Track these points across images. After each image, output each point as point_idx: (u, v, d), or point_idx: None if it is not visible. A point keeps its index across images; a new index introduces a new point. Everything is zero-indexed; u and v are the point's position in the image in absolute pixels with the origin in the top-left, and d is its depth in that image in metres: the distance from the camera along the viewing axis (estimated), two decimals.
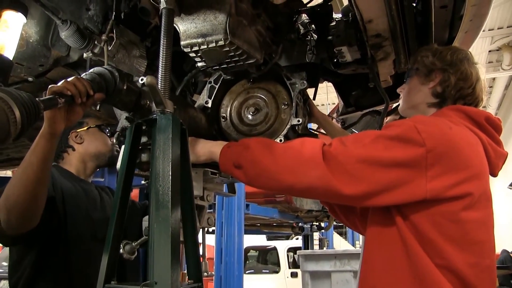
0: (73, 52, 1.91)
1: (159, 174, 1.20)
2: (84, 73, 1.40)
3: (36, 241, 1.81)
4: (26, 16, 1.54)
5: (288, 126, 1.83)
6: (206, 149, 1.60)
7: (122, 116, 1.59)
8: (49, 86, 1.27)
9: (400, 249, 1.41)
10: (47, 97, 1.22)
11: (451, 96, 1.64)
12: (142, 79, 1.44)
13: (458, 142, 1.40)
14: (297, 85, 1.87)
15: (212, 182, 1.82)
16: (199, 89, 2.39)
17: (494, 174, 1.57)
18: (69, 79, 1.30)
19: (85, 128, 2.11)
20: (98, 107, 1.71)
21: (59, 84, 1.28)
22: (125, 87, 1.37)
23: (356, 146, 1.40)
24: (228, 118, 1.99)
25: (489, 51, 10.75)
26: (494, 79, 11.93)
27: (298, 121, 1.82)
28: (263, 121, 1.92)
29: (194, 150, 1.60)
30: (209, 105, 1.97)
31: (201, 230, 1.95)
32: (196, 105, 2.02)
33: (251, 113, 1.94)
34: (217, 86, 1.99)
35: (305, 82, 1.87)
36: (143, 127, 1.36)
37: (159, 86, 1.36)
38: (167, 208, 1.15)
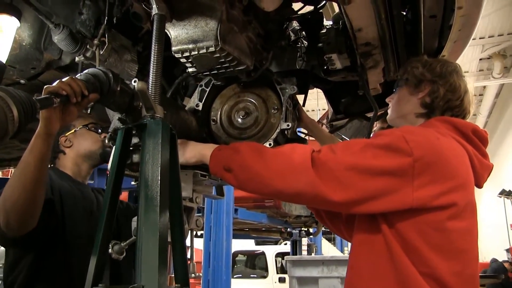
0: (65, 56, 1.92)
1: (148, 179, 1.21)
2: (79, 74, 1.41)
3: (35, 243, 1.80)
4: (19, 20, 1.55)
5: (277, 130, 1.85)
6: (197, 151, 1.61)
7: (114, 117, 1.60)
8: (45, 87, 1.28)
9: (386, 256, 1.43)
10: (43, 96, 1.23)
11: (439, 107, 1.67)
12: (135, 81, 1.46)
13: (445, 152, 1.43)
14: (287, 90, 1.89)
15: (201, 184, 1.83)
16: (190, 92, 2.40)
17: (479, 186, 1.60)
18: (64, 80, 1.31)
19: (72, 131, 2.11)
20: (89, 110, 1.72)
21: (54, 84, 1.29)
22: (118, 89, 1.39)
23: (345, 154, 1.43)
24: (218, 121, 2.01)
25: (480, 59, 10.89)
26: (484, 87, 12.08)
27: (288, 125, 1.84)
28: (253, 125, 1.94)
29: (184, 152, 1.61)
30: (200, 108, 1.98)
31: (189, 231, 1.96)
32: (187, 108, 2.03)
33: (241, 116, 1.95)
34: (207, 90, 2.00)
35: (295, 87, 1.89)
36: (133, 132, 1.36)
37: (149, 91, 1.37)
38: (155, 212, 1.16)
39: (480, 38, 10.00)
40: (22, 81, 1.95)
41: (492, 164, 1.63)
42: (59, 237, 1.87)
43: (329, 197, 1.38)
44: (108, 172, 1.40)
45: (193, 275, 1.90)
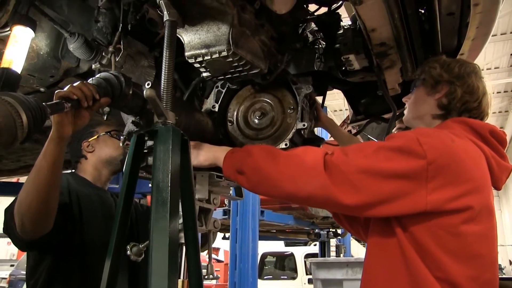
0: (82, 63, 1.95)
1: (159, 184, 1.22)
2: (91, 78, 1.43)
3: (51, 247, 1.84)
4: (34, 30, 1.58)
5: (293, 130, 1.85)
6: (210, 154, 1.61)
7: (128, 120, 1.62)
8: (56, 92, 1.30)
9: (400, 260, 1.40)
10: (53, 101, 1.25)
11: (456, 108, 1.63)
12: (148, 84, 1.48)
13: (460, 155, 1.39)
14: (302, 90, 1.88)
15: (218, 185, 1.85)
16: (207, 93, 2.41)
17: (498, 188, 1.56)
18: (75, 84, 1.33)
19: (95, 137, 2.15)
20: (105, 117, 1.75)
21: (65, 89, 1.31)
22: (130, 92, 1.41)
23: (357, 157, 1.41)
24: (234, 122, 2.01)
25: (511, 54, 10.59)
26: None
27: (304, 125, 1.83)
28: (269, 125, 1.94)
29: (198, 155, 1.61)
30: (216, 109, 1.99)
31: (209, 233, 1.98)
32: (203, 110, 2.04)
33: (257, 117, 1.96)
34: (224, 91, 2.01)
35: (310, 86, 1.88)
36: (146, 138, 1.38)
37: (161, 97, 1.38)
38: (166, 218, 1.17)
39: (511, 32, 9.73)
40: (42, 89, 1.99)
41: (511, 165, 1.58)
42: (77, 241, 1.90)
43: (341, 200, 1.36)
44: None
45: (211, 276, 1.91)
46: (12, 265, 13.59)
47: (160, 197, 1.20)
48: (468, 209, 1.37)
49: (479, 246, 1.40)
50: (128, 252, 1.48)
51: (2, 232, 1.77)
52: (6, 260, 16.39)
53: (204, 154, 1.62)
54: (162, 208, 1.19)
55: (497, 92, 12.60)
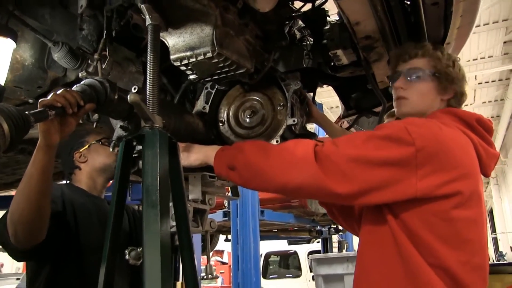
0: (69, 72, 1.95)
1: (148, 189, 1.22)
2: (75, 86, 1.43)
3: (46, 256, 1.84)
4: (15, 41, 1.58)
5: (284, 127, 1.85)
6: (201, 153, 1.62)
7: (117, 125, 1.62)
8: (39, 100, 1.30)
9: (393, 249, 1.42)
10: (37, 110, 1.25)
11: (458, 106, 1.67)
12: (135, 88, 1.48)
13: (448, 142, 1.42)
14: (291, 86, 1.89)
15: (212, 186, 1.85)
16: (198, 95, 2.41)
17: (487, 174, 1.58)
18: (58, 92, 1.33)
19: (86, 147, 2.14)
20: (95, 124, 1.75)
21: (49, 97, 1.31)
22: (116, 97, 1.41)
23: (347, 146, 1.43)
24: (225, 122, 2.02)
25: (504, 42, 10.57)
26: (511, 70, 11.74)
27: (294, 121, 1.84)
28: (260, 123, 1.94)
29: (189, 155, 1.62)
30: (207, 110, 2.00)
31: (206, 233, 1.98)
32: (194, 111, 2.05)
33: (248, 116, 1.97)
34: (213, 92, 2.02)
35: (299, 82, 1.89)
36: (134, 143, 1.37)
37: (147, 102, 1.38)
38: (156, 222, 1.17)
39: (503, 21, 9.71)
40: (30, 101, 1.99)
41: (499, 152, 1.60)
42: (74, 249, 1.90)
43: (332, 189, 1.38)
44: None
45: (210, 276, 1.91)
46: (18, 279, 13.60)
47: (150, 201, 1.20)
48: (457, 194, 1.39)
49: (469, 231, 1.42)
50: (127, 257, 1.49)
51: None
52: (12, 274, 16.39)
53: (195, 154, 1.62)
54: (153, 211, 1.19)
55: (492, 81, 12.58)
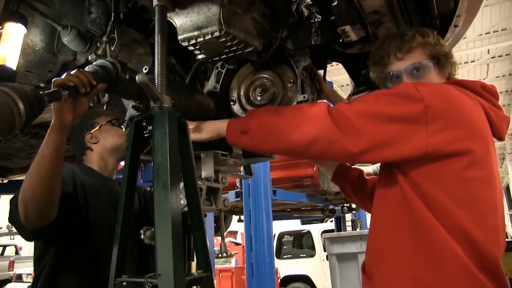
0: (79, 56, 1.96)
1: (158, 169, 1.24)
2: (87, 66, 1.45)
3: (56, 236, 1.87)
4: (26, 26, 1.60)
5: (294, 103, 1.86)
6: (213, 126, 1.65)
7: (129, 105, 1.64)
8: (53, 80, 1.33)
9: (404, 212, 1.44)
10: (51, 90, 1.28)
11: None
12: (146, 68, 1.49)
13: (458, 100, 1.44)
14: (301, 62, 1.89)
15: (225, 164, 1.87)
16: (209, 75, 2.42)
17: (501, 138, 1.58)
18: (71, 72, 1.36)
19: (97, 128, 2.16)
20: (105, 106, 1.76)
21: (62, 77, 1.34)
22: (127, 77, 1.44)
23: (359, 103, 1.48)
24: (237, 100, 2.03)
25: None
26: None
27: (304, 97, 1.85)
28: (271, 101, 1.95)
29: (201, 130, 1.64)
30: (218, 90, 2.01)
31: (219, 212, 2.01)
32: (205, 91, 2.06)
33: (259, 94, 1.97)
34: (223, 71, 2.02)
35: (308, 58, 1.89)
36: (144, 123, 1.38)
37: (156, 82, 1.39)
38: (167, 201, 1.18)
39: None
40: (41, 85, 2.01)
41: (509, 116, 1.60)
42: (84, 230, 1.93)
43: (344, 143, 1.41)
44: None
45: (224, 254, 1.94)
46: None
47: (160, 181, 1.22)
48: (469, 153, 1.40)
49: (482, 191, 1.43)
50: (142, 236, 1.52)
51: (8, 222, 1.79)
52: (29, 257, 16.74)
53: (206, 128, 1.64)
54: (163, 191, 1.20)
55: (506, 55, 12.37)
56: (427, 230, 1.38)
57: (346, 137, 1.40)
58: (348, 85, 11.40)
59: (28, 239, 1.85)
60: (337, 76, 11.39)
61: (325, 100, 2.27)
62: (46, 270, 1.88)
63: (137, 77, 1.27)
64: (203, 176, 1.81)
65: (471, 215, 1.38)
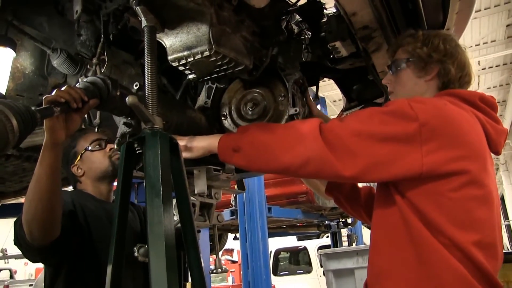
0: (70, 78, 1.96)
1: (151, 190, 1.22)
2: (78, 83, 1.45)
3: (62, 254, 1.86)
4: (15, 50, 1.59)
5: (286, 117, 1.87)
6: (204, 142, 1.61)
7: (120, 122, 1.63)
8: (44, 97, 1.32)
9: (403, 231, 1.41)
10: (43, 107, 1.27)
11: (454, 87, 1.62)
12: (136, 85, 1.48)
13: (454, 118, 1.40)
14: (291, 76, 1.89)
15: (218, 179, 1.86)
16: (199, 91, 2.42)
17: (498, 152, 1.56)
18: (62, 88, 1.35)
19: (78, 158, 2.13)
20: (96, 128, 1.75)
21: (53, 93, 1.32)
22: (118, 93, 1.43)
23: (351, 121, 1.44)
24: (228, 115, 2.03)
25: (507, 25, 10.48)
26: None
27: (296, 110, 1.85)
28: (262, 115, 1.95)
29: (192, 145, 1.61)
30: (209, 105, 2.01)
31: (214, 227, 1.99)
32: (196, 107, 2.05)
33: (250, 108, 1.98)
34: (214, 86, 2.02)
35: (299, 71, 1.90)
36: (135, 145, 1.37)
37: (147, 103, 1.38)
38: (160, 223, 1.17)
39: (505, 3, 9.62)
40: (33, 108, 1.99)
41: (507, 128, 1.58)
42: (89, 253, 1.93)
43: (336, 165, 1.37)
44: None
45: (219, 270, 1.92)
46: (30, 285, 13.75)
47: (153, 202, 1.20)
48: (465, 173, 1.37)
49: (479, 210, 1.40)
50: (136, 254, 1.49)
51: (14, 244, 1.80)
52: (24, 280, 16.56)
53: (197, 144, 1.61)
54: (156, 213, 1.19)
55: (496, 66, 12.48)
56: (427, 249, 1.36)
57: (338, 159, 1.37)
58: (340, 100, 11.46)
59: (35, 258, 1.86)
60: (330, 91, 11.44)
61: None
62: None
63: (127, 99, 1.27)
64: (196, 192, 1.80)
65: (467, 234, 1.36)
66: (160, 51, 1.52)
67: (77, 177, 2.15)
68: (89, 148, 2.14)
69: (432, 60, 1.62)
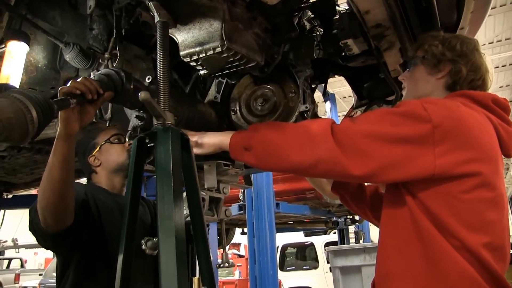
0: (81, 72, 1.96)
1: (162, 187, 1.23)
2: (92, 75, 1.45)
3: (74, 242, 1.89)
4: (28, 44, 1.60)
5: (296, 113, 1.87)
6: (215, 139, 1.61)
7: (132, 115, 1.64)
8: (60, 88, 1.32)
9: (413, 231, 1.40)
10: (59, 98, 1.28)
11: (464, 89, 1.61)
12: (149, 78, 1.48)
13: (466, 120, 1.39)
14: (302, 72, 1.89)
15: (226, 174, 1.87)
16: (209, 85, 2.42)
17: (509, 155, 1.55)
18: (78, 80, 1.36)
19: (97, 149, 2.15)
20: (108, 123, 1.76)
21: (68, 84, 1.33)
22: (132, 87, 1.43)
23: (363, 122, 1.43)
24: (238, 111, 2.04)
25: None
26: None
27: (306, 107, 1.85)
28: (272, 111, 1.96)
29: (203, 142, 1.61)
30: (218, 100, 2.01)
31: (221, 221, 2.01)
32: (206, 101, 2.06)
33: (259, 104, 1.98)
34: (224, 81, 2.02)
35: (310, 68, 1.90)
36: (146, 140, 1.38)
37: (159, 98, 1.39)
38: (171, 219, 1.18)
39: None
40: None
41: None
42: (100, 245, 1.96)
43: (347, 166, 1.36)
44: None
45: (226, 264, 1.93)
46: (40, 274, 13.92)
47: (164, 198, 1.21)
48: (477, 175, 1.36)
49: (490, 213, 1.39)
50: (143, 247, 1.51)
51: (29, 230, 1.84)
52: (34, 270, 16.78)
53: (209, 140, 1.61)
54: (167, 208, 1.20)
55: (510, 64, 12.35)
56: (436, 250, 1.35)
57: (349, 159, 1.36)
58: (350, 96, 11.42)
59: (47, 244, 1.90)
60: (340, 87, 11.41)
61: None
62: (69, 286, 1.91)
63: (139, 94, 1.27)
64: (205, 187, 1.81)
65: (478, 237, 1.35)
66: (171, 45, 1.52)
67: (93, 167, 2.17)
68: (110, 140, 2.17)
69: (445, 59, 1.61)
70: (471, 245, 1.33)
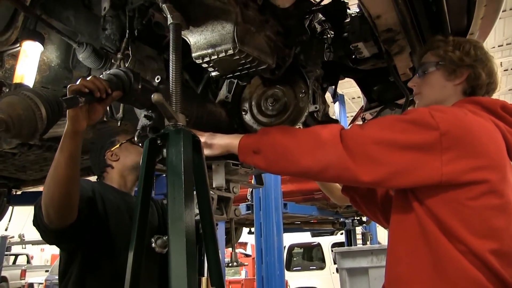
0: (94, 72, 1.98)
1: (173, 188, 1.24)
2: (101, 75, 1.47)
3: (77, 239, 1.90)
4: (43, 44, 1.62)
5: (306, 114, 1.87)
6: (224, 140, 1.63)
7: (141, 115, 1.66)
8: (69, 86, 1.34)
9: (420, 237, 1.42)
10: (69, 96, 1.29)
11: (480, 93, 1.62)
12: (158, 78, 1.50)
13: (473, 128, 1.40)
14: (313, 73, 1.90)
15: (236, 174, 1.88)
16: (220, 85, 2.43)
17: None
18: (87, 78, 1.37)
19: (117, 146, 2.19)
20: (119, 122, 1.78)
21: (78, 82, 1.35)
22: (140, 86, 1.45)
23: (372, 129, 1.45)
24: (248, 110, 2.05)
25: None
26: None
27: (316, 107, 1.86)
28: (282, 111, 1.97)
29: (213, 142, 1.63)
30: (229, 99, 2.02)
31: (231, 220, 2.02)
32: (217, 101, 2.07)
33: (270, 104, 1.99)
34: (235, 81, 2.03)
35: (320, 69, 1.91)
36: (158, 142, 1.39)
37: (170, 100, 1.40)
38: (181, 220, 1.19)
39: None
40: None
41: None
42: (105, 242, 1.97)
43: (356, 171, 1.38)
44: None
45: (234, 263, 1.94)
46: (46, 271, 14.01)
47: (175, 199, 1.22)
48: (485, 182, 1.37)
49: (498, 219, 1.39)
50: (153, 245, 1.52)
51: (33, 225, 1.85)
52: (41, 266, 16.86)
53: (218, 143, 1.63)
54: (178, 209, 1.21)
55: None
56: (444, 255, 1.36)
57: (358, 165, 1.38)
58: (359, 97, 11.40)
59: (51, 240, 1.90)
60: (348, 88, 11.38)
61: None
62: (72, 282, 1.93)
63: (152, 96, 1.29)
64: (214, 186, 1.82)
65: (486, 243, 1.35)
66: (183, 46, 1.53)
67: (110, 162, 2.20)
68: (132, 140, 2.22)
69: (463, 64, 1.62)
70: (478, 251, 1.34)
